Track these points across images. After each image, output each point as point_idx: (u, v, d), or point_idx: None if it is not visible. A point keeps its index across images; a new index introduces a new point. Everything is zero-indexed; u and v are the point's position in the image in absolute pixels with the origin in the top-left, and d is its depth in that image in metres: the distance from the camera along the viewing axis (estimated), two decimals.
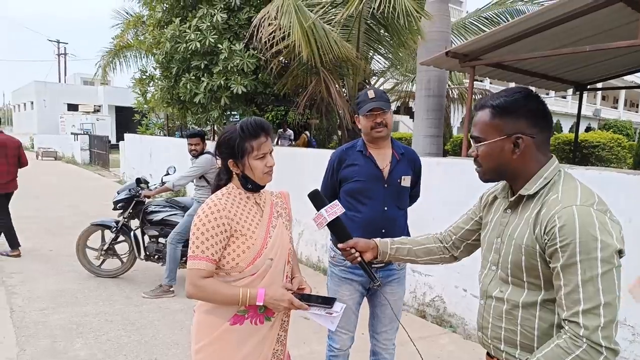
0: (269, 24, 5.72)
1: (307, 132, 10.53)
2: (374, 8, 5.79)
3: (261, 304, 1.50)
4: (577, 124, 8.07)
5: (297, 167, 5.77)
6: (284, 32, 5.66)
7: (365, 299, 2.45)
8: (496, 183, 1.47)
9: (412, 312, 4.19)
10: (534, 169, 1.24)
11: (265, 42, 5.77)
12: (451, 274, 3.86)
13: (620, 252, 1.10)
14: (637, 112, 37.99)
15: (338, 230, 1.62)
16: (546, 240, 1.14)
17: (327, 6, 6.41)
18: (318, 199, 1.63)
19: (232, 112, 7.93)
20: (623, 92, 35.66)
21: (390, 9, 5.22)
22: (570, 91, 8.08)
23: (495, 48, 5.19)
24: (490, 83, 23.48)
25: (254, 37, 6.08)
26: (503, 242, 1.29)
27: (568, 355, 1.06)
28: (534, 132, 1.23)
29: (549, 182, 1.22)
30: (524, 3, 7.44)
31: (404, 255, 1.61)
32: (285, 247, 1.65)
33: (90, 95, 31.61)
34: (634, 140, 15.22)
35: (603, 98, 37.12)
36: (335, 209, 1.60)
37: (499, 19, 7.69)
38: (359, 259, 1.58)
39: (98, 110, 29.96)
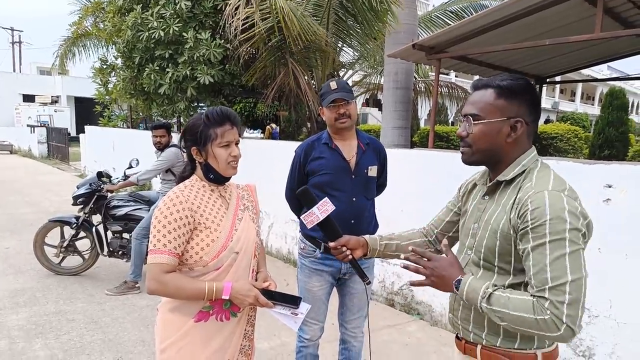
0: (245, 7, 5.55)
1: (272, 125, 10.44)
2: None
3: (227, 297, 1.47)
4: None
5: (266, 160, 5.72)
6: (255, 19, 5.51)
7: (334, 289, 2.46)
8: (475, 172, 1.48)
9: (381, 301, 4.26)
10: (517, 156, 1.27)
11: (235, 29, 5.62)
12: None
13: (584, 236, 1.14)
14: (592, 104, 39.83)
15: (329, 228, 1.57)
16: (519, 223, 1.17)
17: None
18: (308, 197, 1.57)
19: (200, 104, 7.74)
20: (580, 85, 37.29)
21: None
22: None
23: (460, 41, 5.28)
24: (456, 76, 23.98)
25: (224, 25, 5.91)
26: (480, 227, 1.31)
27: (530, 314, 1.10)
28: (530, 120, 1.26)
29: (526, 169, 1.25)
30: None
31: (393, 251, 1.61)
32: (251, 241, 1.62)
33: (47, 86, 30.08)
34: (589, 132, 15.96)
35: (561, 91, 38.71)
36: (326, 206, 1.54)
37: (464, 13, 7.84)
38: (350, 257, 1.55)
39: (56, 102, 28.57)
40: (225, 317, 1.54)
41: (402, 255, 1.41)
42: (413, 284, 1.32)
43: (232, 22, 5.55)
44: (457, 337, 1.41)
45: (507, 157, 1.27)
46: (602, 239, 2.82)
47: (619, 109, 9.53)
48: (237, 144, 1.56)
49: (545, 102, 31.66)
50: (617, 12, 4.99)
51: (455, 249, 1.44)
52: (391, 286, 4.21)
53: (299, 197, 1.60)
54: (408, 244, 1.59)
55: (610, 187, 2.81)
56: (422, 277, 1.30)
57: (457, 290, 1.24)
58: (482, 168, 1.40)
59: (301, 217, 1.58)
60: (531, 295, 1.14)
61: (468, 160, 1.32)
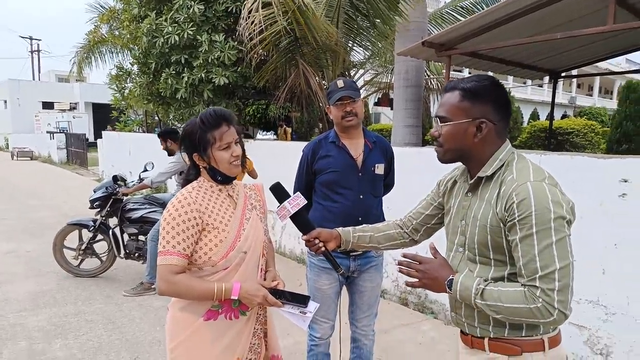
0: (262, 9, 5.58)
1: (287, 127, 10.45)
2: None
3: (236, 297, 1.49)
4: (552, 112, 8.23)
5: (278, 160, 5.75)
6: (275, 13, 5.51)
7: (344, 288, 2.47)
8: (453, 169, 1.52)
9: (395, 300, 4.25)
10: (490, 153, 1.31)
11: (250, 32, 5.66)
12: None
13: (569, 223, 1.18)
14: (611, 99, 38.90)
15: (301, 221, 1.63)
16: (506, 216, 1.21)
17: None
18: (280, 192, 1.64)
19: (215, 106, 7.82)
20: (597, 79, 36.44)
21: None
22: (546, 79, 8.22)
23: (470, 37, 5.22)
24: (469, 73, 23.73)
25: (240, 26, 5.96)
26: (467, 224, 1.34)
27: (523, 304, 1.16)
28: (496, 119, 1.30)
29: (504, 163, 1.29)
30: None
31: (366, 243, 1.66)
32: (259, 240, 1.64)
33: (65, 93, 30.78)
34: (608, 127, 15.62)
35: (578, 86, 37.91)
36: (298, 200, 1.61)
37: (475, 8, 7.74)
38: (323, 248, 1.61)
39: (74, 108, 29.20)
40: (235, 315, 1.57)
41: (397, 261, 1.45)
42: (407, 284, 1.38)
43: (247, 24, 5.59)
44: (462, 332, 1.42)
45: (478, 155, 1.31)
46: (618, 234, 2.78)
47: (637, 103, 9.30)
48: (237, 142, 1.56)
49: (562, 97, 31.05)
50: (631, 2, 4.87)
51: (443, 247, 1.47)
52: (404, 285, 4.20)
53: (272, 192, 1.65)
54: (382, 235, 1.66)
55: (626, 181, 2.76)
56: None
57: (450, 290, 1.28)
58: (460, 164, 1.43)
59: (275, 211, 1.63)
60: (522, 285, 1.18)
61: (442, 159, 1.38)
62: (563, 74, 8.00)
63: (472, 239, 1.31)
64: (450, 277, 1.29)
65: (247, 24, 5.55)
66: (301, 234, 1.64)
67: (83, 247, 4.77)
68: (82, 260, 4.86)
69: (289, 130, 10.56)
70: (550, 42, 5.37)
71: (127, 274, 4.95)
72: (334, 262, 1.66)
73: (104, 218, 4.73)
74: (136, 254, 4.72)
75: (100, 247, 4.86)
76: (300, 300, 1.58)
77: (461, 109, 1.28)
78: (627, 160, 2.81)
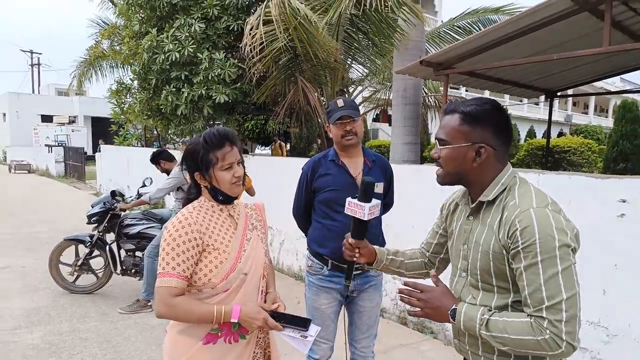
0: (264, 23, 5.64)
1: (282, 143, 10.49)
2: (354, 14, 5.81)
3: (236, 320, 1.46)
4: (549, 130, 8.29)
5: (277, 176, 5.76)
6: (276, 29, 5.57)
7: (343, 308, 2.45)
8: (455, 191, 1.51)
9: (394, 320, 4.21)
10: (490, 177, 1.29)
11: (252, 49, 5.72)
12: (429, 281, 3.89)
13: (574, 251, 1.16)
14: (606, 117, 39.28)
15: (362, 228, 1.56)
16: (509, 244, 1.19)
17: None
18: (369, 192, 1.55)
19: (216, 122, 7.87)
20: (593, 98, 36.87)
21: (379, 2, 5.05)
22: (542, 98, 8.31)
23: (467, 57, 5.30)
24: (466, 91, 23.97)
25: (240, 45, 6.02)
26: (469, 248, 1.32)
27: (530, 336, 1.12)
28: (496, 144, 1.27)
29: (506, 187, 1.28)
30: (496, 13, 7.64)
31: (396, 267, 1.62)
32: (260, 261, 1.62)
33: (65, 106, 30.88)
34: (604, 144, 15.74)
35: (574, 104, 38.31)
36: (375, 210, 1.54)
37: (472, 28, 7.87)
38: (356, 258, 1.57)
39: (73, 121, 29.28)
40: (234, 339, 1.54)
41: (397, 289, 1.42)
42: (410, 313, 1.34)
43: (249, 41, 5.65)
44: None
45: (478, 179, 1.30)
46: (618, 255, 2.77)
47: (633, 122, 9.41)
48: (239, 163, 1.56)
49: (558, 115, 31.33)
50: (625, 25, 4.97)
51: (447, 271, 1.44)
52: (403, 304, 4.17)
53: (364, 185, 1.56)
54: (410, 263, 1.62)
55: (624, 202, 2.77)
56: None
57: (454, 320, 1.25)
58: (461, 187, 1.42)
59: (349, 201, 1.56)
60: (528, 315, 1.15)
61: (441, 182, 1.36)
62: (559, 93, 8.10)
63: (475, 265, 1.29)
64: (454, 307, 1.26)
65: (248, 41, 5.61)
66: (349, 235, 1.57)
67: (79, 262, 4.73)
68: (78, 277, 4.81)
69: (284, 145, 10.61)
70: (547, 63, 5.45)
71: (123, 290, 4.90)
72: (350, 274, 1.68)
73: (101, 234, 4.70)
74: (133, 271, 4.68)
75: (97, 263, 4.82)
76: (301, 323, 1.55)
77: (460, 132, 1.27)
78: (626, 180, 2.82)
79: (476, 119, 1.26)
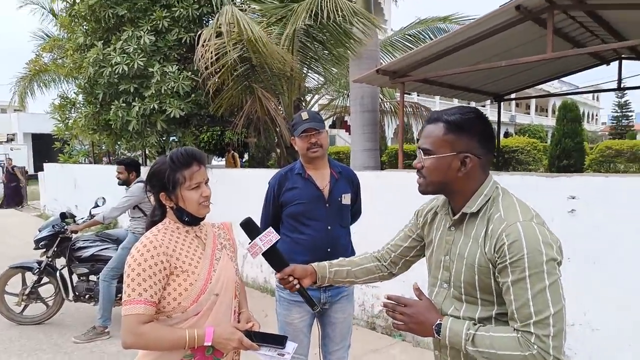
0: (215, 39, 5.54)
1: (235, 153, 10.34)
2: (309, 24, 5.85)
3: (209, 344, 1.40)
4: (498, 132, 8.71)
5: (239, 189, 5.65)
6: (227, 48, 5.49)
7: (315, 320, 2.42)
8: (432, 198, 1.49)
9: (363, 325, 4.21)
10: (474, 188, 1.27)
11: (206, 61, 5.60)
12: (396, 284, 3.93)
13: (559, 264, 1.17)
14: (546, 116, 41.93)
15: (274, 258, 1.54)
16: (496, 258, 1.17)
17: (263, 24, 6.40)
18: (251, 228, 1.55)
19: (170, 136, 7.63)
20: (534, 99, 39.24)
21: (335, 13, 5.10)
22: (489, 101, 8.73)
23: (421, 65, 5.47)
24: (418, 96, 24.73)
25: (193, 57, 5.88)
26: (452, 260, 1.30)
27: (518, 351, 1.11)
28: (481, 153, 1.26)
29: (489, 198, 1.26)
30: (444, 21, 7.95)
31: (344, 278, 1.59)
32: (231, 280, 1.57)
33: (2, 124, 28.91)
34: (546, 142, 16.73)
35: (517, 105, 40.56)
36: (270, 236, 1.52)
37: (422, 36, 8.15)
38: (298, 286, 1.53)
39: (12, 139, 27.46)
40: None
41: (382, 302, 1.39)
42: (394, 326, 1.32)
43: (203, 53, 5.54)
44: None
45: (461, 189, 1.28)
46: (570, 248, 2.90)
47: (573, 121, 10.06)
48: (206, 182, 1.52)
49: (503, 116, 33.03)
50: (566, 32, 5.33)
51: (416, 268, 1.42)
52: (371, 309, 4.18)
53: (242, 228, 1.56)
54: (359, 269, 1.60)
55: (573, 198, 2.93)
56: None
57: (438, 335, 1.23)
58: (441, 195, 1.41)
59: (247, 248, 1.55)
60: (515, 329, 1.14)
61: (423, 191, 1.33)
62: (505, 97, 8.53)
63: (459, 278, 1.27)
64: (438, 322, 1.24)
65: (202, 53, 5.50)
66: (274, 271, 1.56)
67: (27, 291, 4.38)
68: (25, 306, 4.46)
69: (237, 156, 10.46)
70: (495, 68, 5.72)
71: (76, 318, 4.59)
72: (310, 300, 1.59)
73: (50, 259, 4.39)
74: (87, 296, 4.39)
75: (46, 290, 4.49)
76: (277, 341, 1.52)
77: (446, 141, 1.24)
78: (574, 178, 3.00)
79: (461, 128, 1.24)
